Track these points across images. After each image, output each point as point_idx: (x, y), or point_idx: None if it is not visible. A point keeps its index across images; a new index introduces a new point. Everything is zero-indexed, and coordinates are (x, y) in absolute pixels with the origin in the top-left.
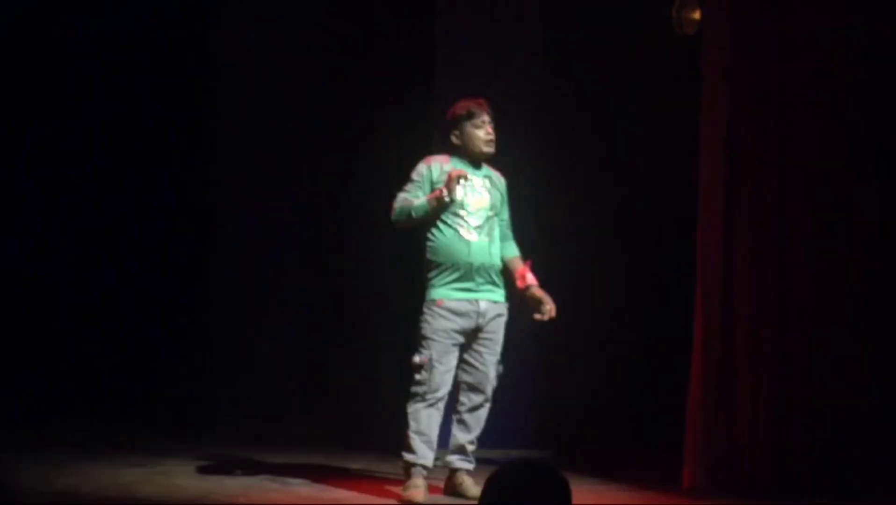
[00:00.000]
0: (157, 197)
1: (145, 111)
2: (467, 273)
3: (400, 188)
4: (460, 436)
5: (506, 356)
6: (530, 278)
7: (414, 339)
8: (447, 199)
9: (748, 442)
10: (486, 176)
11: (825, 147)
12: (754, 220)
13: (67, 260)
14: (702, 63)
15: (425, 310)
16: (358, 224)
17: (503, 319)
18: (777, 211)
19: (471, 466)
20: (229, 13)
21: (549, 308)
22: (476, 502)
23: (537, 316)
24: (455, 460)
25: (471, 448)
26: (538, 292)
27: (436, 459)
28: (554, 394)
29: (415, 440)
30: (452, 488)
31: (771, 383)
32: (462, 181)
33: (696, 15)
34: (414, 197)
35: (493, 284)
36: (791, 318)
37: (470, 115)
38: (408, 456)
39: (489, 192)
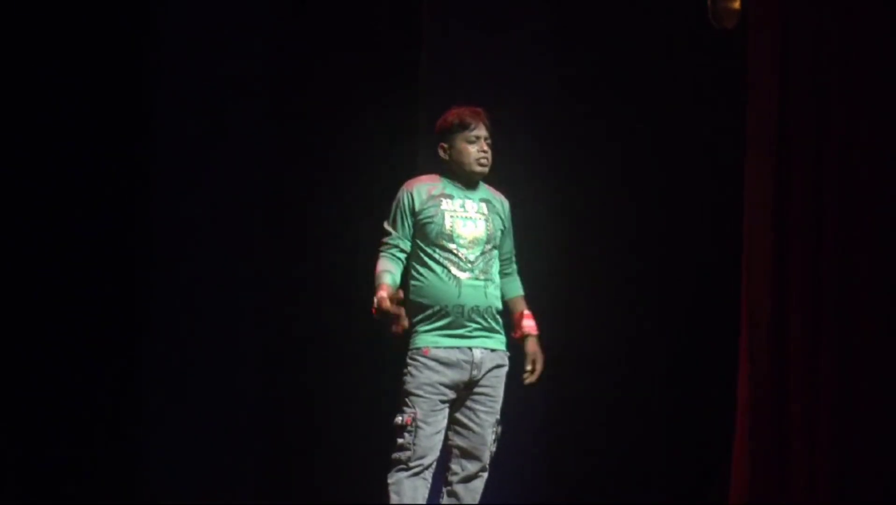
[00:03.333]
0: (79, 224)
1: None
2: (458, 318)
3: (382, 218)
4: None
5: (505, 415)
6: (528, 326)
7: (396, 396)
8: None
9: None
10: (482, 200)
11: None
12: (809, 252)
13: None
14: (748, 59)
15: (409, 361)
16: (326, 264)
17: (503, 371)
18: (837, 242)
19: None
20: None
21: (533, 373)
22: None
23: (523, 376)
24: None
25: None
26: (531, 347)
27: None
28: (568, 443)
29: None
30: None
31: (831, 447)
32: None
33: (737, 4)
34: (394, 243)
35: (490, 329)
36: (854, 370)
37: (463, 127)
38: None
39: (486, 220)
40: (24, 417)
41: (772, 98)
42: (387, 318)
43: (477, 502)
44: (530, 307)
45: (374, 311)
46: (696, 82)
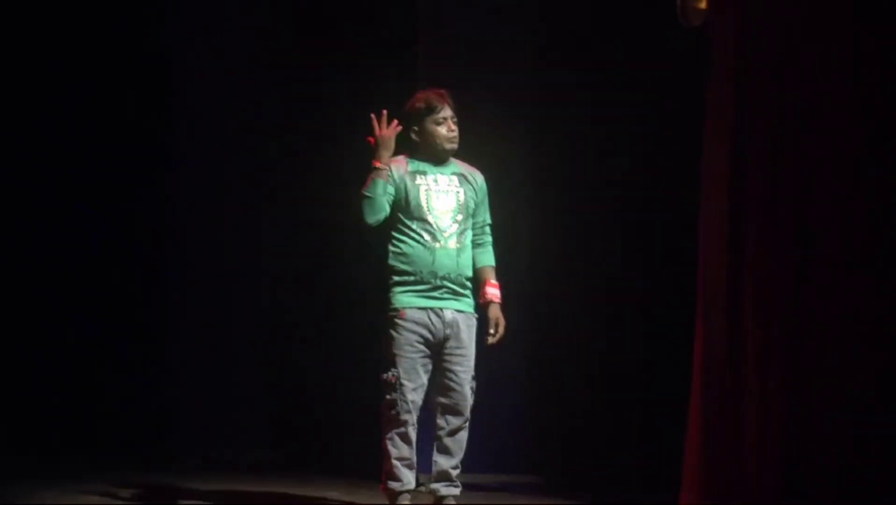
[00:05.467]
0: (110, 203)
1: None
2: (431, 283)
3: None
4: (443, 462)
5: (479, 371)
6: (491, 293)
7: (380, 355)
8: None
9: (755, 468)
10: (454, 174)
11: (847, 148)
12: (764, 232)
13: (12, 268)
14: (711, 55)
15: (389, 322)
16: (327, 234)
17: (473, 331)
18: (790, 222)
19: (458, 492)
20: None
21: (494, 336)
22: None
23: (486, 338)
24: (441, 488)
25: (455, 473)
26: (493, 312)
27: (419, 484)
28: (543, 416)
29: (398, 467)
30: None
31: (782, 402)
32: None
33: (703, 4)
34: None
35: (459, 294)
36: (805, 341)
37: (430, 110)
38: (394, 484)
39: (457, 192)
40: (57, 378)
41: (728, 86)
42: (382, 141)
43: (463, 450)
44: (517, 277)
45: (371, 140)
46: (666, 75)
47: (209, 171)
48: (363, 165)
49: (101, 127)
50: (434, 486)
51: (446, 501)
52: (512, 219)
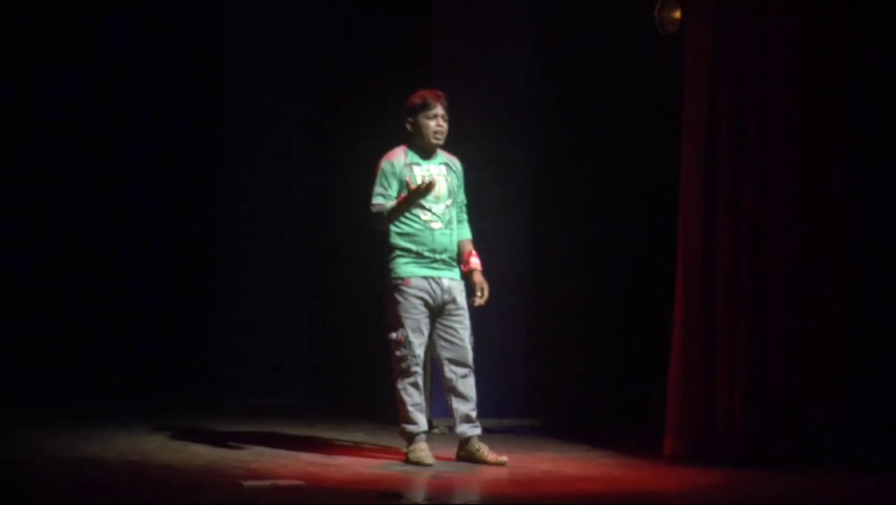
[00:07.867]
0: (163, 176)
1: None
2: (431, 258)
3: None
4: (461, 407)
5: (483, 323)
6: (474, 263)
7: (386, 317)
8: (418, 194)
9: (725, 413)
10: (442, 163)
11: (803, 139)
12: (733, 205)
13: (79, 237)
14: (684, 60)
15: (394, 289)
16: (357, 215)
17: (464, 294)
18: (756, 197)
19: (479, 431)
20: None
21: (480, 298)
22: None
23: (473, 300)
24: (466, 430)
25: (474, 414)
26: (478, 278)
27: (432, 427)
28: (544, 365)
29: (413, 412)
30: (468, 455)
31: (747, 358)
32: (425, 189)
33: (677, 14)
34: (387, 200)
35: (451, 265)
36: (767, 295)
37: (424, 106)
38: (410, 427)
39: (446, 179)
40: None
41: (701, 93)
42: (418, 193)
43: (475, 395)
44: (519, 244)
45: (413, 190)
46: (647, 77)
47: (262, 157)
48: (378, 157)
49: (164, 116)
50: (460, 429)
51: (472, 439)
52: (516, 197)
